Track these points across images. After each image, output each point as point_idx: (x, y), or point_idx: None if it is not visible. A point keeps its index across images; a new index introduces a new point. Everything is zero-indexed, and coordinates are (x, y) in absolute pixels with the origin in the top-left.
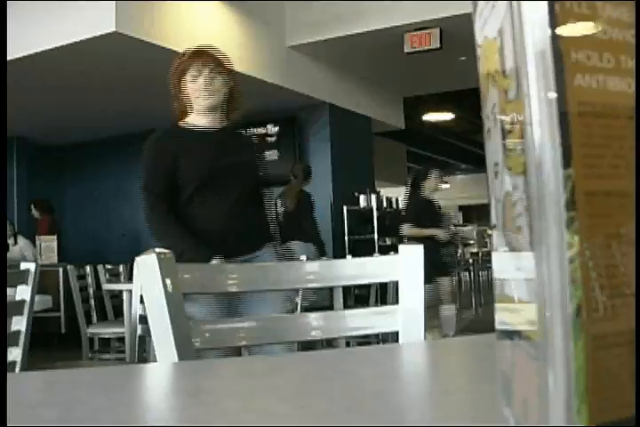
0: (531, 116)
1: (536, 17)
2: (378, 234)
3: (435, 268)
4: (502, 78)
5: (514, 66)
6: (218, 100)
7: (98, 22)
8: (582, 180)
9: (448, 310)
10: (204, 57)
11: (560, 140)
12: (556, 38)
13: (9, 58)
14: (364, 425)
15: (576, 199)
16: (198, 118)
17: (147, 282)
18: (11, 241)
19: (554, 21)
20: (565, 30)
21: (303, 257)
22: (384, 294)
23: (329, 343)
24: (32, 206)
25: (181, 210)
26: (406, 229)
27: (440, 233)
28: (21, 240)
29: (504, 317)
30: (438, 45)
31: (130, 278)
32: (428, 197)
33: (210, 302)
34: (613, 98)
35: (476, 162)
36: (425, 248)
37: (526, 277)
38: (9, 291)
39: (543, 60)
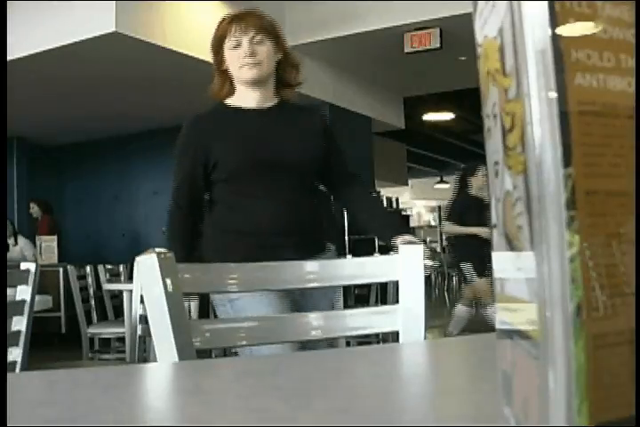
0: (531, 115)
1: (536, 16)
2: None
3: (474, 266)
4: (502, 77)
5: (514, 65)
6: (265, 72)
7: (98, 22)
8: (582, 179)
9: (465, 312)
10: (247, 20)
11: (560, 140)
12: (556, 37)
13: (9, 58)
14: (364, 425)
15: (576, 198)
16: (243, 95)
17: (147, 282)
18: (11, 241)
19: (554, 21)
20: (566, 30)
21: None
22: (384, 294)
23: (329, 343)
24: (31, 206)
25: (217, 206)
26: (448, 226)
27: (483, 232)
28: (21, 240)
29: (504, 316)
30: (438, 45)
31: (130, 278)
32: (476, 194)
33: (274, 297)
34: (613, 97)
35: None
36: (468, 246)
37: (526, 276)
38: (9, 291)
39: (543, 60)
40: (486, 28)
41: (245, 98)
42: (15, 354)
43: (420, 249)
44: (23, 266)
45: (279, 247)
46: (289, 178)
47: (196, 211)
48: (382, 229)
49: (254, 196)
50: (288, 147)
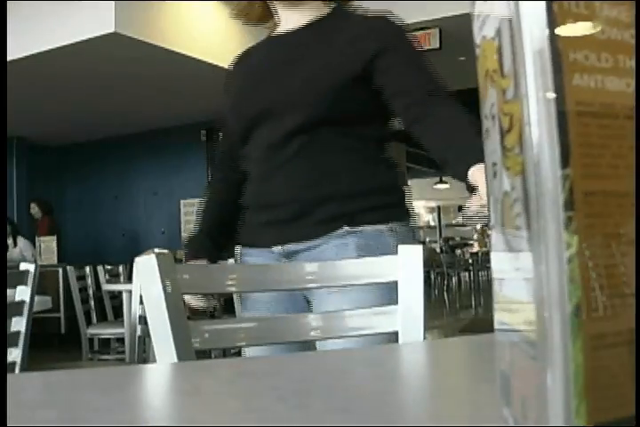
0: (529, 115)
1: (534, 17)
2: None
3: None
4: (500, 78)
5: (512, 66)
6: None
7: (97, 23)
8: (581, 179)
9: None
10: None
11: (558, 140)
12: (554, 38)
13: (9, 58)
14: (364, 425)
15: (574, 199)
16: (282, 18)
17: (146, 282)
18: (10, 242)
19: (552, 21)
20: (564, 30)
21: None
22: None
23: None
24: (32, 206)
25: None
26: None
27: None
28: (21, 241)
29: (503, 317)
30: (438, 45)
31: (129, 279)
32: None
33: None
34: (612, 97)
35: None
36: None
37: (525, 276)
38: (9, 292)
39: (541, 60)
40: (484, 29)
41: (284, 21)
42: (15, 355)
43: (419, 249)
44: (23, 267)
45: (260, 226)
46: (277, 129)
47: (235, 184)
48: (455, 163)
49: (249, 158)
50: (288, 82)
